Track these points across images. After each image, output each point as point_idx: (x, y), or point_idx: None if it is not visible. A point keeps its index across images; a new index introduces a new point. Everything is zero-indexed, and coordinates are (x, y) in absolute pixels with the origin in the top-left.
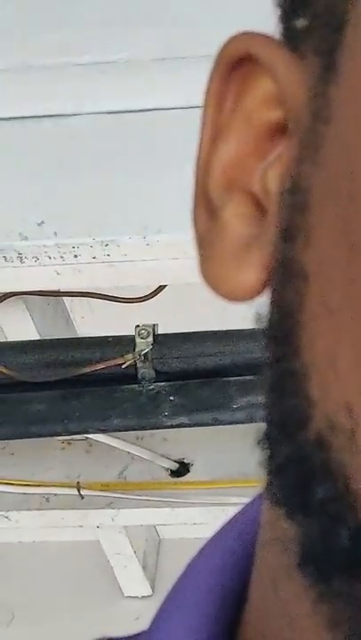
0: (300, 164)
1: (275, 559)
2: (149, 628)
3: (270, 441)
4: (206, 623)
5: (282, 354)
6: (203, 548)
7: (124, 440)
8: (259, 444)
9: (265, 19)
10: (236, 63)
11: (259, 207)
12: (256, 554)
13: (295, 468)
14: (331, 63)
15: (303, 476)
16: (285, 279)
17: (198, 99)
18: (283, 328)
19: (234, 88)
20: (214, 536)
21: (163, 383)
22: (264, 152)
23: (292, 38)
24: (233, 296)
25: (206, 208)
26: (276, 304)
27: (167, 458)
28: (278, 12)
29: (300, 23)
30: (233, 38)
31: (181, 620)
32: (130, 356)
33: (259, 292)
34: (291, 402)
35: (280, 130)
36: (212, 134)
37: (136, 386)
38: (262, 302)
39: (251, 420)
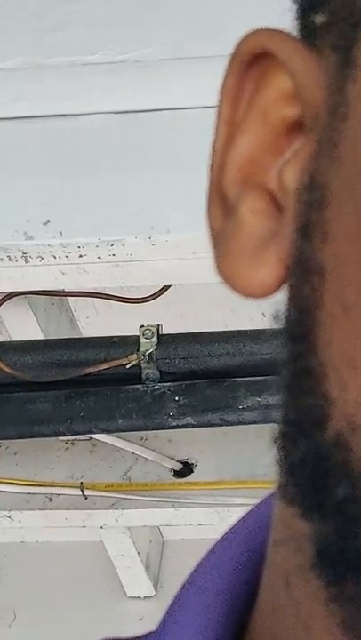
0: (318, 161)
1: (288, 559)
2: (157, 630)
3: (286, 440)
4: (214, 626)
5: (299, 352)
6: (212, 549)
7: (128, 440)
8: (274, 442)
9: (275, 18)
10: (253, 60)
11: (275, 204)
12: (268, 553)
13: (312, 467)
14: (348, 59)
15: (320, 475)
16: (302, 276)
17: (207, 99)
18: (300, 326)
19: (250, 85)
20: (223, 537)
21: (167, 383)
22: (280, 148)
23: (309, 35)
24: (249, 293)
25: (221, 205)
26: (294, 301)
27: (171, 458)
28: (295, 8)
29: (319, 19)
30: (249, 34)
31: (189, 622)
32: (134, 356)
33: (275, 289)
34: (308, 400)
35: (296, 126)
36: (228, 131)
37: (140, 386)
38: (275, 301)
39: (258, 420)
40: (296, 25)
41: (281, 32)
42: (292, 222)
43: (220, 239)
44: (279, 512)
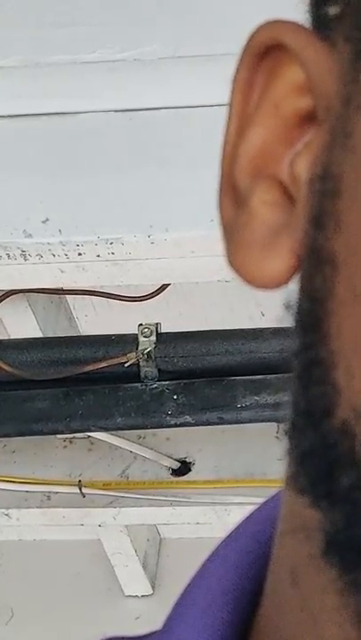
0: (331, 151)
1: (296, 549)
2: (162, 629)
3: (296, 430)
4: (220, 624)
5: (309, 341)
6: (217, 548)
7: (126, 439)
8: (284, 432)
9: (275, 16)
10: (265, 52)
11: (287, 195)
12: (275, 546)
13: (320, 455)
14: None
15: (328, 464)
16: (314, 266)
17: (207, 97)
18: (311, 316)
19: (262, 77)
20: (229, 536)
21: (166, 382)
22: (292, 140)
23: (322, 26)
24: (262, 284)
25: (232, 197)
26: (305, 291)
27: (169, 457)
28: (308, 0)
29: (332, 11)
30: (262, 26)
31: (195, 620)
32: (132, 354)
33: (287, 280)
34: (317, 390)
35: (308, 118)
36: (239, 123)
37: (139, 384)
38: (274, 299)
39: (256, 419)
40: (309, 17)
41: (293, 24)
42: (304, 213)
43: (232, 230)
44: (288, 503)
